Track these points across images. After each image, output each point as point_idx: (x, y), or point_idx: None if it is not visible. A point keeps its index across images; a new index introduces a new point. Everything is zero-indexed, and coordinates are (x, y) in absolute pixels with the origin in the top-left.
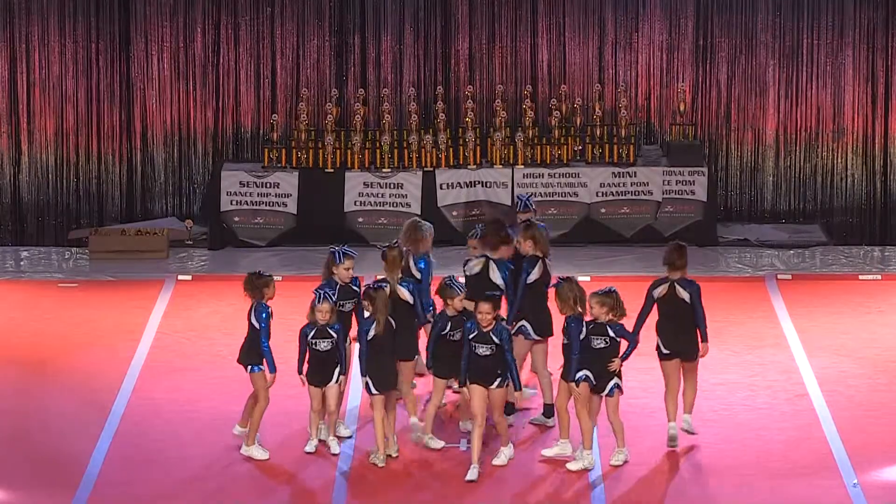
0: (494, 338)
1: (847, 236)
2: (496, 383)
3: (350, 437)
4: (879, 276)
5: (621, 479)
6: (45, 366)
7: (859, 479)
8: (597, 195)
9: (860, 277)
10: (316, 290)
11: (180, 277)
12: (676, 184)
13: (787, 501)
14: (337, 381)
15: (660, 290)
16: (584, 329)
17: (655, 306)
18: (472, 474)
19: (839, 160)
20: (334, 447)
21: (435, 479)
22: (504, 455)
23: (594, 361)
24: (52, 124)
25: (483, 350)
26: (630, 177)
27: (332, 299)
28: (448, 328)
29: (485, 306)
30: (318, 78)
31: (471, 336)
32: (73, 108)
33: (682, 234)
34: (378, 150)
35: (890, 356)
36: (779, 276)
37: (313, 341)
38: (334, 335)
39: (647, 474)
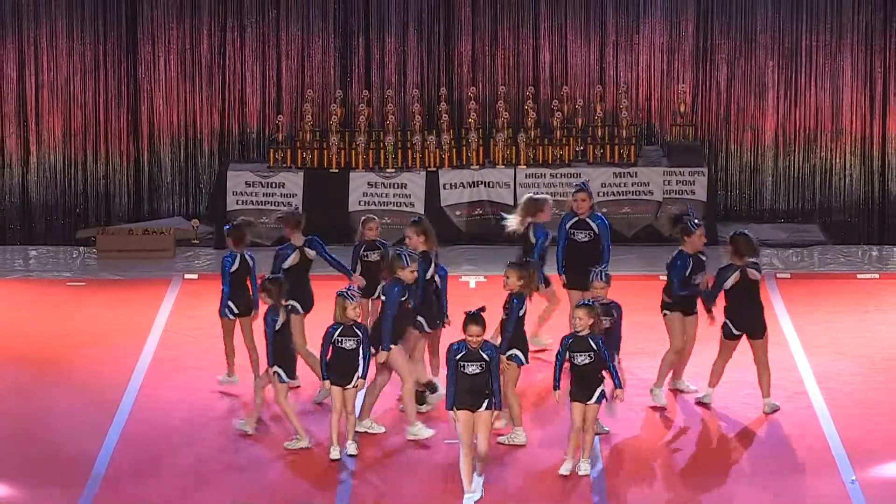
0: (484, 355)
1: (845, 235)
2: (484, 405)
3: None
4: (877, 275)
5: (619, 475)
6: (52, 364)
7: (857, 476)
8: (598, 195)
9: (858, 276)
10: (339, 292)
11: (187, 276)
12: (677, 184)
13: (786, 498)
14: (355, 385)
15: (732, 280)
16: (567, 344)
17: (723, 294)
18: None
19: (837, 160)
20: (351, 448)
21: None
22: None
23: (582, 377)
24: (60, 125)
25: (472, 369)
26: (631, 177)
27: (355, 298)
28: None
29: (474, 329)
30: (323, 79)
31: (458, 357)
32: (81, 110)
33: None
34: (382, 151)
35: (888, 354)
36: (778, 275)
37: (339, 339)
38: (360, 334)
39: (643, 469)
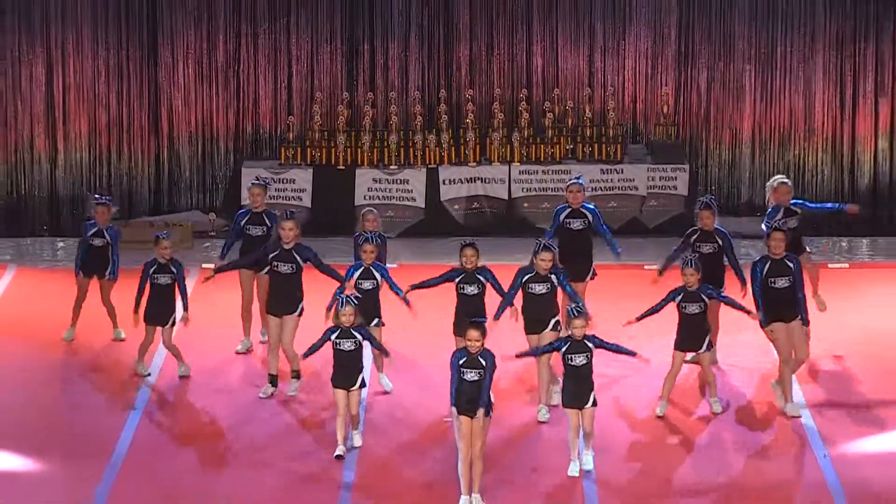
0: (482, 361)
1: (817, 228)
2: (481, 412)
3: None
4: (847, 265)
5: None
6: (77, 348)
7: (828, 450)
8: (587, 190)
9: (829, 266)
10: (337, 294)
11: (204, 265)
12: (660, 180)
13: (763, 472)
14: (360, 387)
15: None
16: (566, 345)
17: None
18: None
19: (810, 158)
20: (356, 440)
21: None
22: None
23: (576, 378)
24: (85, 125)
25: (472, 375)
26: (617, 173)
27: (353, 303)
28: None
29: (473, 333)
30: (331, 82)
31: (460, 362)
32: (105, 110)
33: (665, 227)
34: (386, 149)
35: (857, 339)
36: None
37: (337, 341)
38: (357, 336)
39: (623, 451)
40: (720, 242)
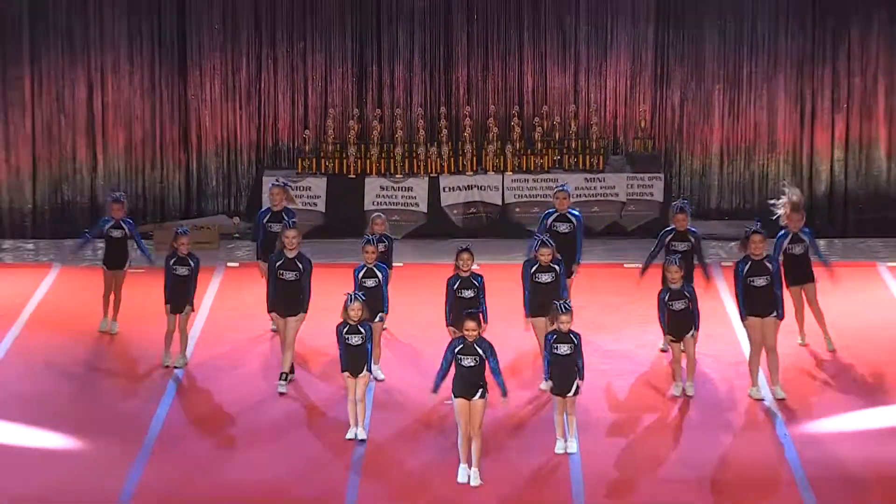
0: (479, 349)
1: (779, 231)
2: (478, 395)
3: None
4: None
5: (585, 438)
6: (115, 338)
7: (788, 430)
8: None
9: None
10: (348, 294)
11: (229, 264)
12: (638, 187)
13: (728, 450)
14: (365, 374)
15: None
16: (552, 338)
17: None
18: (461, 477)
19: (773, 168)
20: (361, 433)
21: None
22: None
23: (561, 366)
24: (122, 138)
25: (468, 361)
26: (600, 182)
27: (361, 299)
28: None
29: (470, 324)
30: (342, 100)
31: (457, 350)
32: (140, 125)
33: (642, 229)
34: (392, 160)
35: (814, 328)
36: (722, 264)
37: (346, 336)
38: (363, 331)
39: (604, 430)
40: (692, 241)
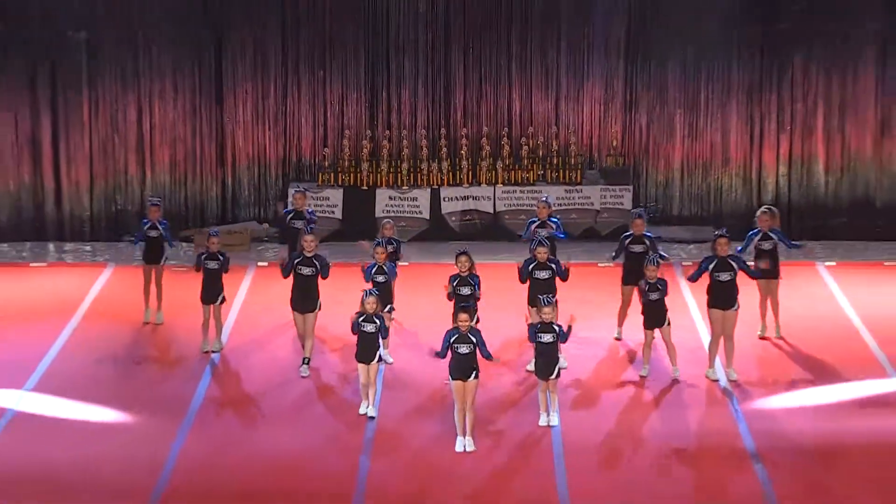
0: (472, 337)
1: (732, 235)
2: (472, 376)
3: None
4: (752, 265)
5: (565, 415)
6: (160, 327)
7: (740, 406)
8: (553, 205)
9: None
10: (364, 290)
11: (259, 264)
12: (610, 197)
13: (689, 423)
14: (378, 361)
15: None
16: (537, 328)
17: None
18: (459, 447)
19: (725, 181)
20: (371, 411)
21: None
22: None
23: (545, 353)
24: (167, 155)
25: (463, 349)
26: (577, 192)
27: (376, 294)
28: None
29: (463, 316)
30: (357, 122)
31: (452, 339)
32: (183, 143)
33: (614, 234)
34: (399, 174)
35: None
36: (683, 263)
37: (362, 324)
38: (377, 322)
39: (577, 409)
40: (647, 243)
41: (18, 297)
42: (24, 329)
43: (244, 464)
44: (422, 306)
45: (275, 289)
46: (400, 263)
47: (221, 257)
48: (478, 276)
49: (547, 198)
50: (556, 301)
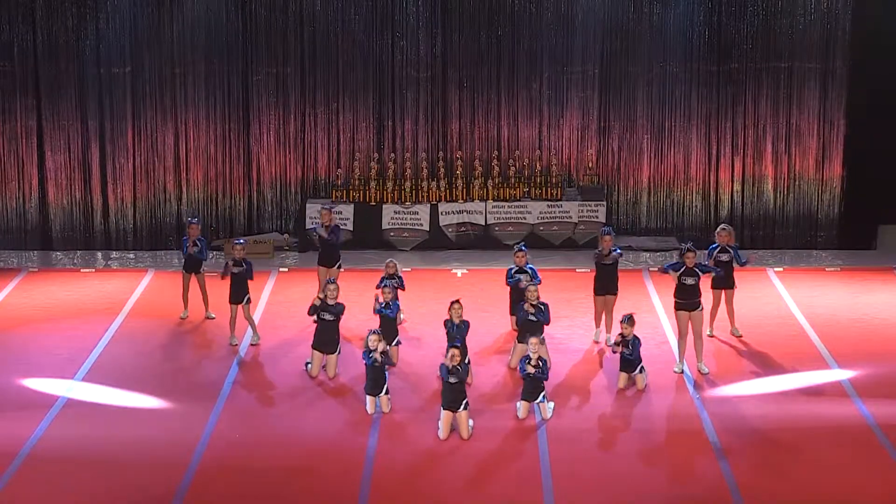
0: (460, 369)
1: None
2: (461, 407)
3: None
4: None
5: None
6: (192, 325)
7: (700, 394)
8: (538, 219)
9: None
10: (370, 329)
11: (281, 270)
12: (587, 212)
13: (656, 408)
14: (386, 394)
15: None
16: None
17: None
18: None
19: (687, 198)
20: (385, 406)
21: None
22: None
23: (530, 382)
24: (201, 174)
25: (452, 379)
26: (558, 207)
27: (378, 333)
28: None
29: (454, 351)
30: (366, 146)
31: (444, 373)
32: (214, 165)
33: (590, 244)
34: (402, 191)
35: (723, 322)
36: (650, 269)
37: (371, 358)
38: (381, 360)
39: (558, 398)
40: (617, 258)
41: (70, 298)
42: (75, 326)
43: (266, 442)
44: (423, 308)
45: (295, 291)
46: (403, 269)
47: (245, 264)
48: (467, 322)
49: (523, 245)
50: (544, 339)
